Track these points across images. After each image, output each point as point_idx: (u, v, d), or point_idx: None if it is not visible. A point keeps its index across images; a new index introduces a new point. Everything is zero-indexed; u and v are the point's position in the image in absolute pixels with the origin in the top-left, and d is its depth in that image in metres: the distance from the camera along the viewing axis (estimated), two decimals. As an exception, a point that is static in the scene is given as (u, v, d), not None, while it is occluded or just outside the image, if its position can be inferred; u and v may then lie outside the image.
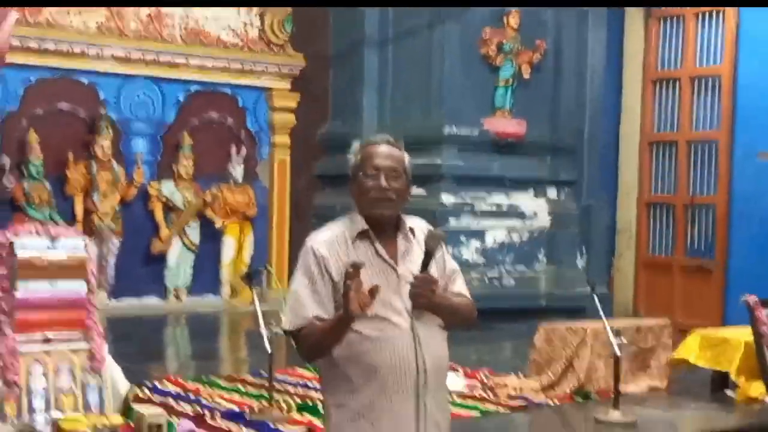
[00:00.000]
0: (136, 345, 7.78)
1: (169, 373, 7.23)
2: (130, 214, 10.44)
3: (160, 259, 10.62)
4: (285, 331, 2.92)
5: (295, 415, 5.87)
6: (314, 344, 2.86)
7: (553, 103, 10.63)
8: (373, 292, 2.70)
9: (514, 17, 10.29)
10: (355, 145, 3.06)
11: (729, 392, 6.76)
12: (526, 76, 10.40)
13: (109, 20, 10.40)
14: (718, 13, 10.72)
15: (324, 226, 2.97)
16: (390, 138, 2.98)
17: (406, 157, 2.97)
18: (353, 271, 2.67)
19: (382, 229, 2.91)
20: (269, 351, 5.81)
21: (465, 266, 9.65)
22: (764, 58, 10.16)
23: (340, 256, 2.86)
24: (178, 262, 10.67)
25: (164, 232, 10.58)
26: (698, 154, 10.96)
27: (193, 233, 10.79)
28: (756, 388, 6.63)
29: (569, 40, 10.65)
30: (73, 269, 5.53)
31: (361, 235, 2.90)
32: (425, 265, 2.80)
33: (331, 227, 2.96)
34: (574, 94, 10.67)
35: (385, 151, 2.92)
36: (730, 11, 10.50)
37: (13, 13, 6.10)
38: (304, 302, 2.86)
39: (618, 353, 5.95)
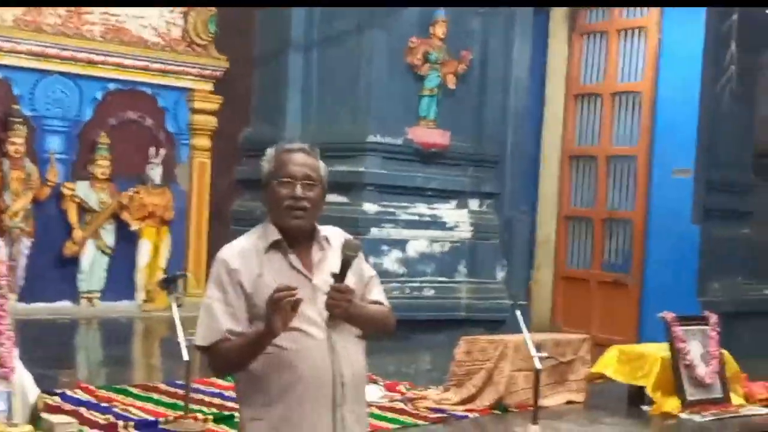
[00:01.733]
0: (45, 350, 7.52)
1: (79, 380, 7.02)
2: (42, 214, 10.11)
3: (73, 261, 10.30)
4: (197, 347, 2.86)
5: (212, 426, 5.74)
6: (230, 359, 2.81)
7: (477, 114, 10.64)
8: (296, 305, 2.66)
9: (441, 27, 10.27)
10: (269, 151, 2.93)
11: (645, 407, 6.83)
12: (452, 86, 10.39)
13: (26, 14, 10.10)
14: (640, 30, 10.89)
15: (237, 238, 2.91)
16: (305, 146, 2.92)
17: (322, 166, 2.92)
18: (285, 292, 2.63)
19: (296, 239, 2.86)
20: (187, 359, 5.67)
21: (386, 276, 9.59)
22: (683, 75, 10.35)
23: (252, 267, 2.81)
24: (92, 265, 10.35)
25: (78, 234, 10.26)
26: (617, 170, 11.12)
27: (108, 236, 10.50)
28: (671, 404, 6.74)
29: (495, 52, 10.69)
30: (-18, 272, 5.32)
31: (275, 245, 2.84)
32: (342, 275, 2.76)
33: (243, 238, 2.90)
34: (498, 106, 10.70)
35: (300, 159, 2.87)
36: (653, 28, 10.68)
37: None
38: (217, 316, 2.80)
39: (539, 367, 5.96)
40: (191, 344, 5.48)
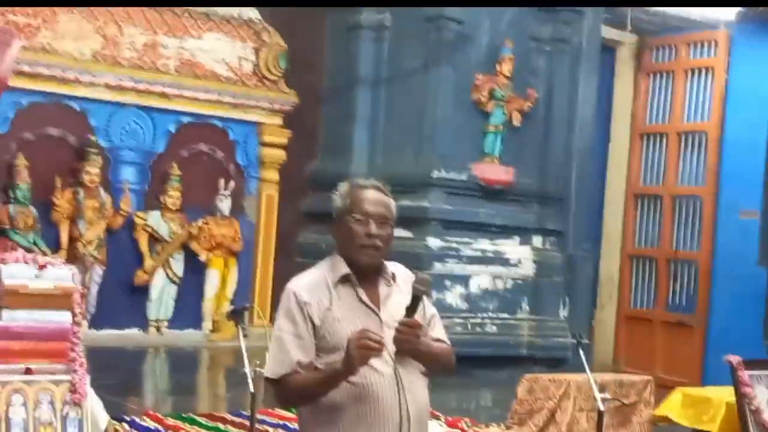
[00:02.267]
0: (114, 377, 7.68)
1: (146, 407, 7.16)
2: (114, 243, 10.35)
3: (143, 290, 10.51)
4: (267, 379, 2.89)
5: (276, 458, 5.82)
6: (300, 393, 2.85)
7: (541, 151, 10.67)
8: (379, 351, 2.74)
9: (507, 64, 10.35)
10: (342, 186, 2.98)
11: (709, 452, 6.73)
12: (516, 123, 10.45)
13: (104, 48, 10.41)
14: (707, 69, 10.86)
15: (306, 270, 2.96)
16: (379, 183, 2.98)
17: (393, 203, 2.96)
18: (374, 340, 2.70)
19: (364, 274, 2.91)
20: (252, 390, 5.76)
21: (448, 311, 9.63)
22: (751, 115, 10.28)
23: (322, 300, 2.86)
24: (161, 294, 10.56)
25: (148, 263, 10.49)
26: (683, 209, 11.05)
27: (177, 265, 10.70)
28: (736, 449, 6.63)
29: (560, 90, 10.72)
30: (58, 299, 5.47)
31: (343, 279, 2.89)
32: (412, 310, 2.80)
33: (312, 271, 2.95)
34: (562, 143, 10.72)
35: (375, 197, 2.92)
36: (720, 68, 10.63)
37: (18, 42, 6.06)
38: (288, 348, 2.84)
39: (602, 408, 5.93)
40: (257, 375, 5.58)
